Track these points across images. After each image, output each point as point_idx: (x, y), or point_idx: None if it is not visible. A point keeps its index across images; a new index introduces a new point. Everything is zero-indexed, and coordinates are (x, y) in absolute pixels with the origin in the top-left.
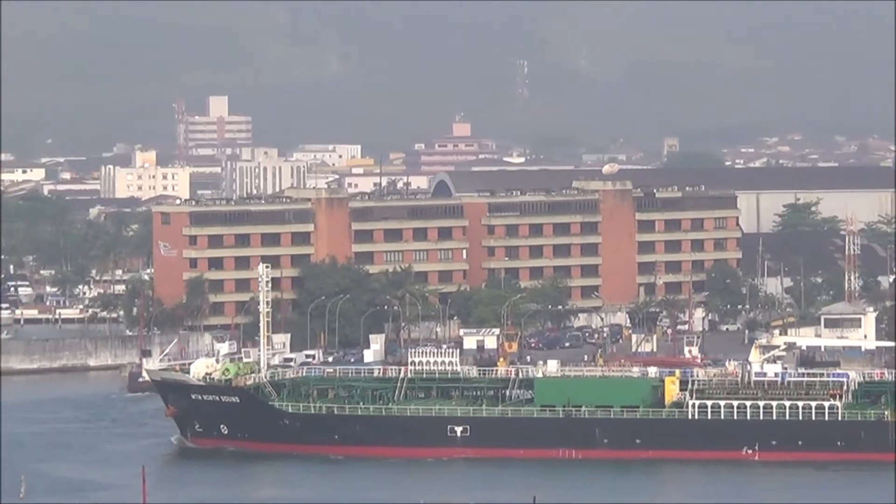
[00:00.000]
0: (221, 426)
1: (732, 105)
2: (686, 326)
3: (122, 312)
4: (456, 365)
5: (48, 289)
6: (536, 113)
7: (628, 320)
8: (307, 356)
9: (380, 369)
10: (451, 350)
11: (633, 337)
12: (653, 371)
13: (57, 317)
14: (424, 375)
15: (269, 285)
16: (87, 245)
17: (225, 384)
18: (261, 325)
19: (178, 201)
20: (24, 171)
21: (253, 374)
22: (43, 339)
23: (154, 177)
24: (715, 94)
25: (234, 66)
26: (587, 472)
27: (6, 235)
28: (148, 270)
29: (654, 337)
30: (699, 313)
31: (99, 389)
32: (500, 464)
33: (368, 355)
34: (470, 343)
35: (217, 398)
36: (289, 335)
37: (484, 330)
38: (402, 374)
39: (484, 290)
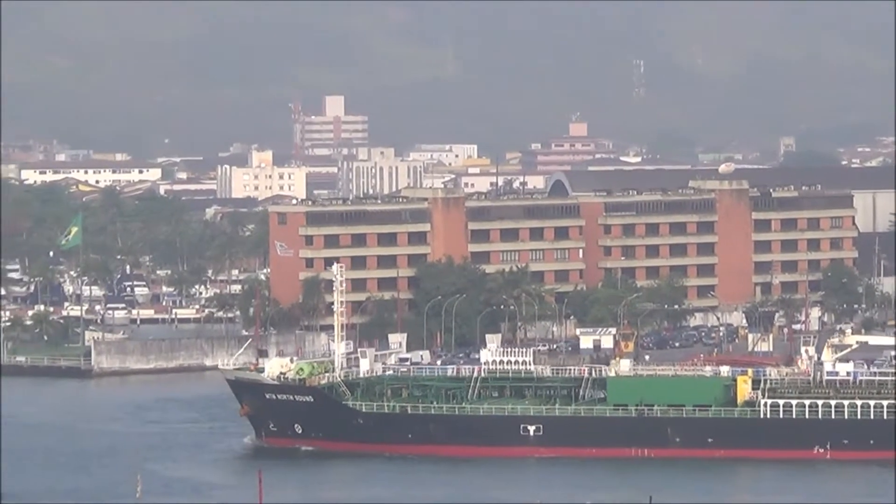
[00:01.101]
0: (295, 425)
1: (849, 104)
2: (802, 326)
3: (238, 312)
4: (529, 364)
5: (164, 289)
6: (653, 112)
7: (744, 320)
8: (421, 356)
9: (454, 368)
10: (523, 349)
11: (749, 336)
12: (725, 370)
13: (173, 317)
14: (498, 375)
15: (344, 286)
16: (203, 245)
17: (299, 383)
18: (335, 324)
19: (294, 201)
20: (141, 172)
21: (327, 374)
22: (159, 339)
23: (270, 177)
24: (831, 93)
25: (351, 65)
26: (665, 472)
27: (123, 235)
28: (264, 270)
29: (770, 336)
30: (815, 313)
31: (213, 390)
32: (573, 463)
33: (485, 355)
34: (586, 342)
35: (291, 397)
36: (405, 335)
37: (600, 329)
38: (475, 374)
39: (600, 289)
